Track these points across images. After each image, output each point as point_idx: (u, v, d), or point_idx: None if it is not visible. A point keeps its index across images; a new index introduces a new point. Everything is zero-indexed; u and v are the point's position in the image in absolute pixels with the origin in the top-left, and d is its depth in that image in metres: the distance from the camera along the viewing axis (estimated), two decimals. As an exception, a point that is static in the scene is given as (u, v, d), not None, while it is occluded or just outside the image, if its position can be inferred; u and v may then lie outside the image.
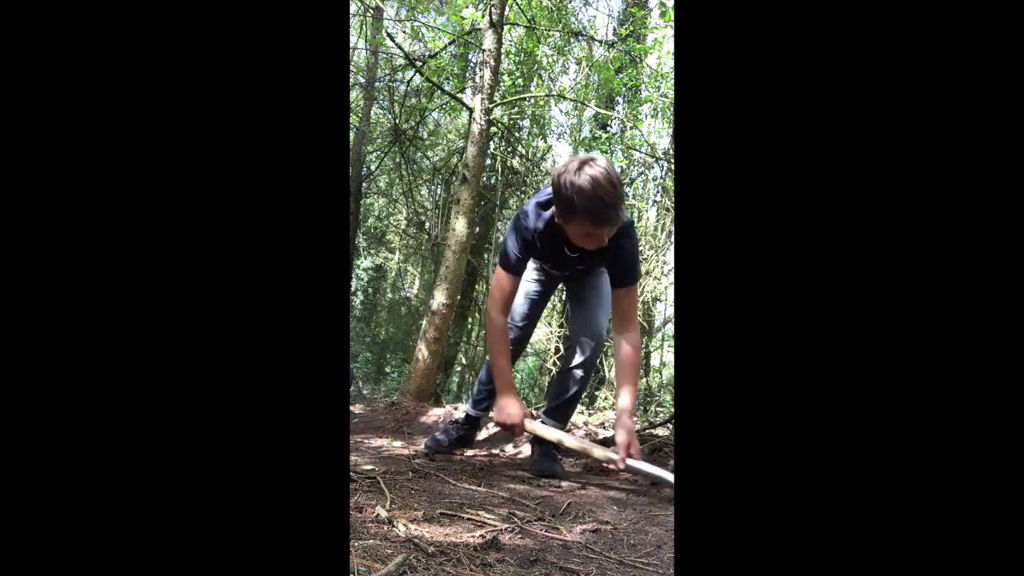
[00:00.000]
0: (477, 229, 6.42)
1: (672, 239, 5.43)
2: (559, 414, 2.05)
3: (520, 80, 6.19)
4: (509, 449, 2.68)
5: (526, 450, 2.65)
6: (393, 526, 1.17)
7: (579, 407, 4.14)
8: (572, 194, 1.44)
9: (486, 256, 7.00)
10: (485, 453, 2.58)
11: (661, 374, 7.94)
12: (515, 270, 1.73)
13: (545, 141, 7.53)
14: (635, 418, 2.10)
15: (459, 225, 4.01)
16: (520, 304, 2.00)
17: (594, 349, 1.97)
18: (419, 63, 5.34)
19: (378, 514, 1.22)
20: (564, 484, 1.96)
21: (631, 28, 5.62)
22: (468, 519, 1.32)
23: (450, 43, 5.68)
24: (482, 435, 2.84)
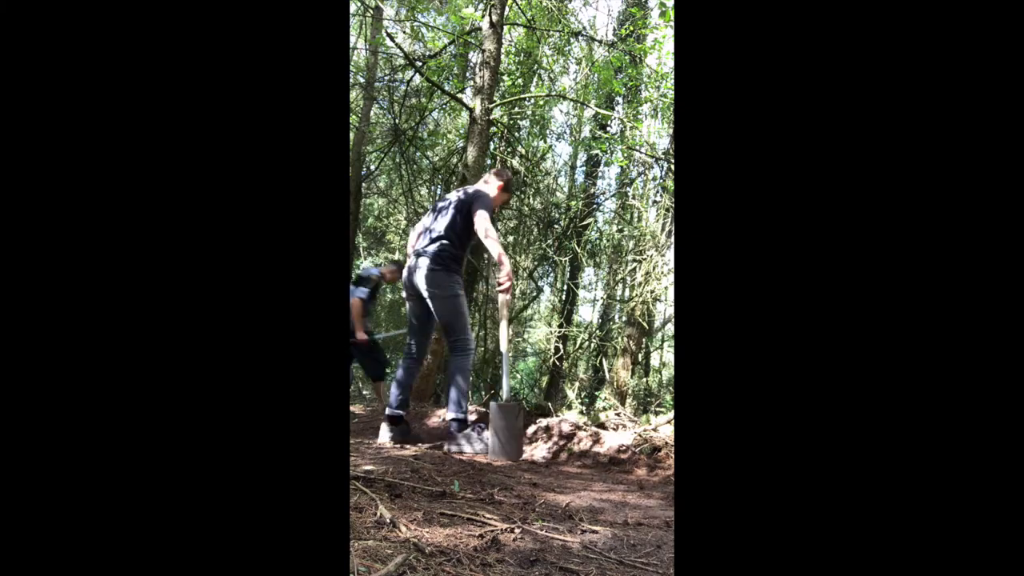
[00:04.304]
0: (477, 229, 6.40)
1: (672, 239, 5.42)
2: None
3: (520, 80, 6.18)
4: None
5: (529, 452, 2.65)
6: (393, 527, 1.17)
7: (579, 407, 4.16)
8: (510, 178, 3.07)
9: (486, 256, 7.00)
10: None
11: (661, 374, 7.94)
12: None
13: (545, 141, 7.53)
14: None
15: (459, 225, 3.99)
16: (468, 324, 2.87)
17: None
18: (419, 63, 5.34)
19: (379, 515, 1.23)
20: (566, 484, 1.96)
21: (631, 28, 5.62)
22: (468, 519, 1.32)
23: (450, 43, 5.67)
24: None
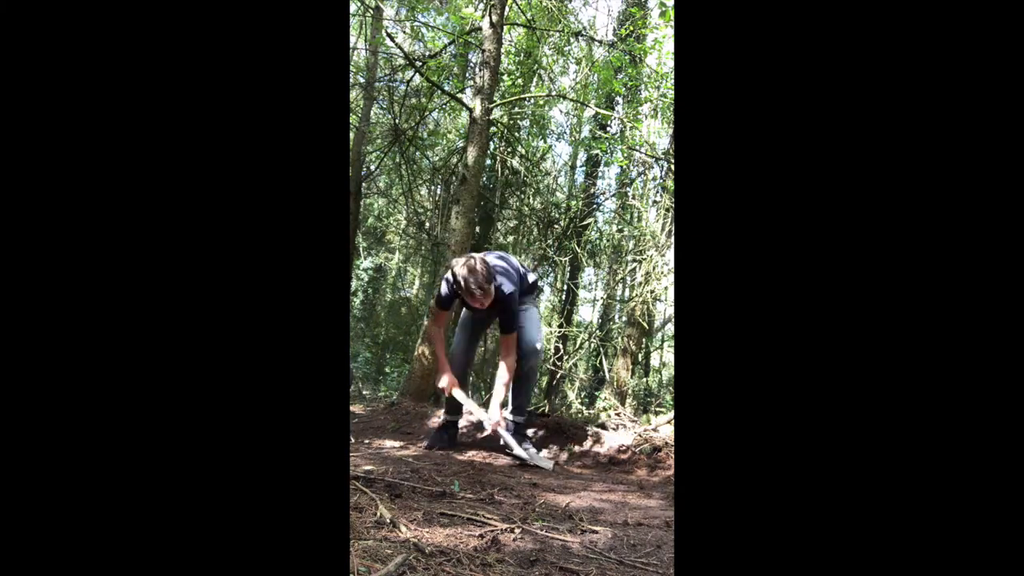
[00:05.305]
0: (477, 229, 6.41)
1: (672, 239, 5.42)
2: (517, 403, 2.77)
3: (520, 80, 6.18)
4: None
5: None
6: (393, 527, 1.17)
7: (579, 407, 4.17)
8: (458, 282, 2.37)
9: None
10: (486, 454, 2.58)
11: (661, 374, 7.93)
12: (443, 307, 2.67)
13: (545, 141, 7.52)
14: (513, 414, 2.74)
15: (459, 225, 4.01)
16: (460, 338, 2.81)
17: (534, 355, 2.69)
18: (419, 63, 5.33)
19: (379, 515, 1.22)
20: (566, 484, 1.96)
21: (631, 28, 5.62)
22: (468, 519, 1.32)
23: (450, 43, 5.67)
24: (485, 435, 2.84)
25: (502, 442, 2.52)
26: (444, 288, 2.60)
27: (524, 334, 2.66)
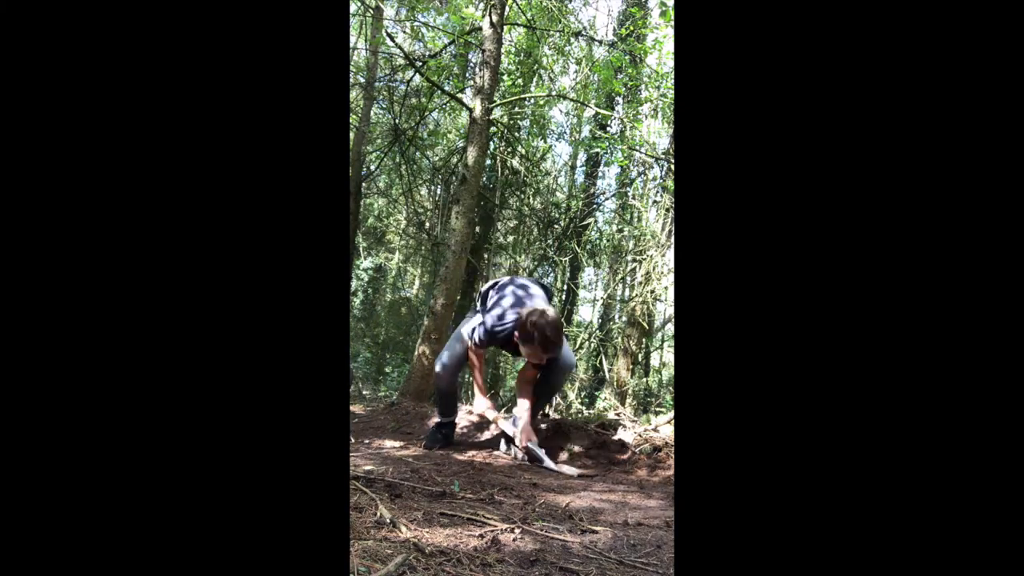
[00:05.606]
0: (477, 229, 6.41)
1: (672, 239, 5.42)
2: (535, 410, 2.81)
3: (520, 80, 6.18)
4: (507, 449, 2.67)
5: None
6: (393, 527, 1.17)
7: (579, 406, 4.18)
8: (534, 332, 2.25)
9: (486, 256, 7.00)
10: (486, 454, 2.59)
11: (661, 374, 7.94)
12: (483, 347, 2.61)
13: (545, 141, 7.53)
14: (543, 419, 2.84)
15: (459, 225, 4.01)
16: (456, 350, 2.72)
17: (570, 371, 2.76)
18: (419, 63, 5.34)
19: (379, 515, 1.22)
20: (566, 484, 1.96)
21: (631, 28, 5.62)
22: (468, 519, 1.32)
23: (450, 43, 5.67)
24: (485, 436, 2.85)
25: (525, 456, 2.48)
26: (503, 324, 2.42)
27: (565, 352, 2.57)
